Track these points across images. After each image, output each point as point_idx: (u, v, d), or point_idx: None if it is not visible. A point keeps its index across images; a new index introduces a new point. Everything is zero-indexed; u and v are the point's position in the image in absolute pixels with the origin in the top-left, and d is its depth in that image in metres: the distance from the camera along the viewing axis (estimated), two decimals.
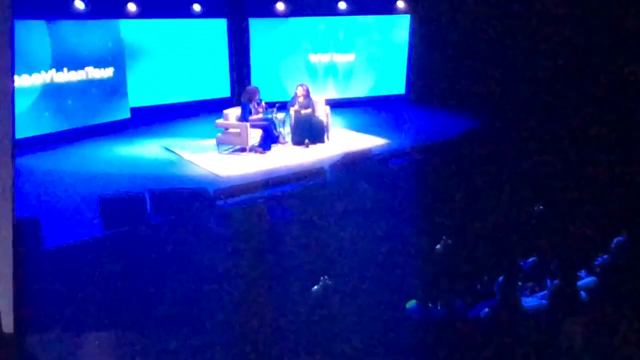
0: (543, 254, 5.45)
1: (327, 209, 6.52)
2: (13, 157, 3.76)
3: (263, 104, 9.93)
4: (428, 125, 11.62)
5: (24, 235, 5.70)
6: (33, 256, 5.69)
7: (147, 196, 6.61)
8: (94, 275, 5.76)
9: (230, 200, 6.85)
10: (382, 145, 9.87)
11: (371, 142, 10.15)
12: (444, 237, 6.01)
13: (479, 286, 5.01)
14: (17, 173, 8.41)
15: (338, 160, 8.18)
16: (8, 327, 3.59)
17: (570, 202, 6.52)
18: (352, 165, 7.95)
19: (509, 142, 9.07)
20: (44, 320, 4.89)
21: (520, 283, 4.91)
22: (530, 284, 5.08)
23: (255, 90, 9.81)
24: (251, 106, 9.63)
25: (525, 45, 11.31)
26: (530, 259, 5.24)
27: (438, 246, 5.98)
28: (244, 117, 9.52)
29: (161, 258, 6.02)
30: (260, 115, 9.65)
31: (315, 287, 5.02)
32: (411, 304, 4.68)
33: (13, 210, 3.65)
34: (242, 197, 6.97)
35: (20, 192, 7.49)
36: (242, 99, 9.80)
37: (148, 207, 6.60)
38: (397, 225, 6.27)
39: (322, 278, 5.03)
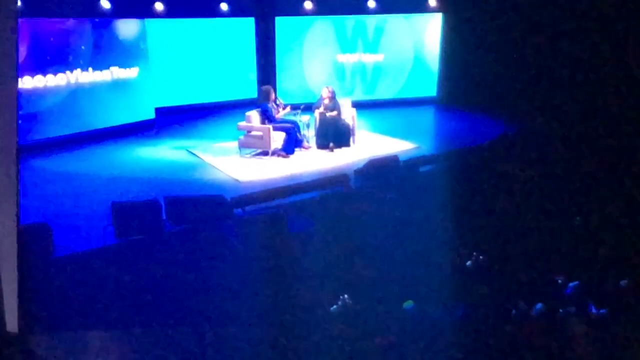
0: (586, 276, 4.97)
1: (350, 219, 6.13)
2: (17, 159, 3.73)
3: (281, 101, 9.60)
4: (460, 129, 11.09)
5: (34, 242, 5.51)
6: (41, 264, 5.49)
7: (162, 203, 6.33)
8: (103, 285, 5.54)
9: (248, 208, 6.52)
10: (411, 150, 9.42)
11: (399, 146, 9.71)
12: (475, 253, 5.58)
13: (513, 311, 4.57)
14: (34, 174, 8.29)
15: (363, 167, 7.77)
16: (12, 327, 3.66)
17: (619, 214, 5.99)
18: (377, 172, 7.53)
19: (548, 149, 8.49)
20: (50, 331, 4.73)
21: (560, 310, 4.45)
22: (572, 310, 4.60)
23: (270, 90, 9.49)
24: (270, 106, 9.31)
25: (566, 46, 10.67)
26: (572, 283, 4.76)
27: (469, 263, 5.55)
28: (267, 118, 9.21)
29: (173, 269, 5.75)
30: (281, 112, 9.31)
31: (334, 307, 4.66)
32: (409, 304, 4.57)
33: (17, 212, 3.65)
34: (260, 204, 6.64)
35: (34, 195, 7.43)
36: (259, 101, 9.50)
37: (163, 214, 6.32)
38: (424, 239, 5.84)
39: (341, 297, 4.67)
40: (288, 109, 9.44)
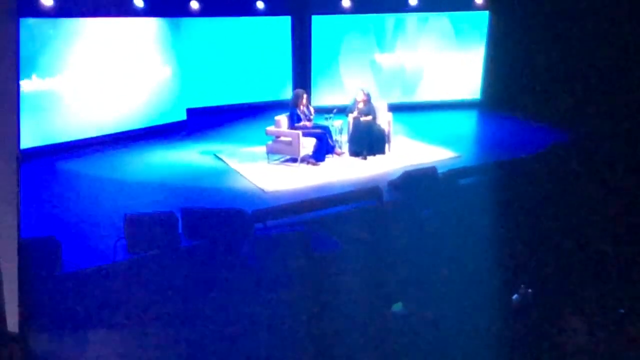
0: None
1: (380, 241, 5.52)
2: (18, 164, 3.71)
3: (312, 109, 9.04)
4: (505, 136, 10.25)
5: (40, 257, 5.16)
6: (46, 282, 5.13)
7: (179, 215, 5.88)
8: (111, 304, 5.15)
9: (269, 223, 6.00)
10: (451, 160, 8.70)
11: (438, 154, 9.02)
12: (522, 285, 4.88)
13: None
14: (55, 178, 7.99)
15: (397, 178, 7.12)
16: (13, 327, 3.70)
17: None
18: (413, 185, 6.87)
19: (608, 161, 7.58)
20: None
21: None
22: None
23: (300, 94, 8.94)
24: (299, 112, 8.79)
25: (629, 45, 9.66)
26: None
27: (515, 296, 4.86)
28: (290, 125, 8.70)
29: (186, 289, 5.31)
30: (307, 124, 8.75)
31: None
32: (397, 307, 4.44)
33: (18, 216, 3.66)
34: (283, 219, 6.10)
35: (49, 201, 7.16)
36: (290, 104, 8.97)
37: (180, 227, 5.87)
38: (463, 265, 5.17)
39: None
40: (307, 123, 8.83)
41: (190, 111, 11.25)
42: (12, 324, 3.78)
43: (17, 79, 3.80)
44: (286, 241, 5.26)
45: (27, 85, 8.79)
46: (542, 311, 4.72)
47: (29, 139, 8.69)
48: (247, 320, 4.89)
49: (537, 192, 6.45)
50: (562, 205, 6.22)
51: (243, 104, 12.24)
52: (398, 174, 7.57)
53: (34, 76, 8.90)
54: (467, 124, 11.67)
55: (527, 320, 4.44)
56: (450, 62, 12.49)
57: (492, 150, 9.26)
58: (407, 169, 7.88)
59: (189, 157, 9.31)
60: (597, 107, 9.76)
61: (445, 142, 9.54)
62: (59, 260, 5.43)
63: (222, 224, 5.87)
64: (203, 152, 9.47)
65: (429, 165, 7.88)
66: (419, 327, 4.50)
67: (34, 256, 5.03)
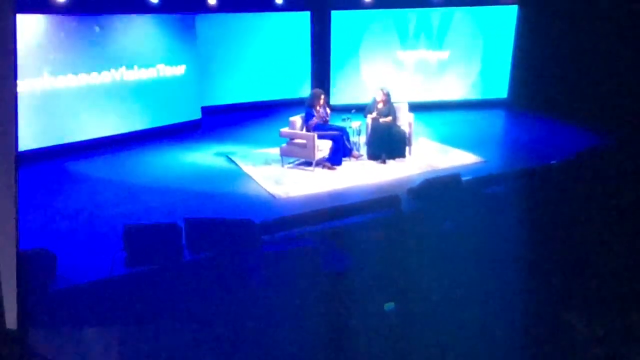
0: None
1: (396, 257, 5.05)
2: (16, 165, 3.64)
3: (328, 110, 8.57)
4: (536, 139, 9.62)
5: (33, 271, 4.83)
6: (40, 298, 4.81)
7: (182, 226, 5.50)
8: (105, 323, 4.81)
9: (278, 235, 5.58)
10: (476, 165, 8.16)
11: (461, 159, 8.49)
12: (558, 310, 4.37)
13: None
14: (60, 181, 7.70)
15: (417, 186, 6.62)
16: (11, 323, 3.62)
17: None
18: (434, 193, 6.37)
19: None
20: None
21: None
22: None
23: (318, 94, 8.48)
24: (315, 112, 8.36)
25: None
26: None
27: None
28: (305, 124, 8.28)
29: (187, 306, 4.92)
30: (318, 120, 8.30)
31: None
32: (389, 306, 4.39)
33: (16, 209, 3.59)
34: (293, 230, 5.67)
35: (48, 208, 6.85)
36: (306, 104, 8.53)
37: (183, 239, 5.50)
38: (488, 286, 4.67)
39: None
40: (319, 120, 8.39)
41: (205, 109, 10.93)
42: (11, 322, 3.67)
43: (15, 78, 3.66)
44: (294, 258, 4.84)
45: (38, 84, 8.55)
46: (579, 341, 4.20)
47: (38, 139, 8.52)
48: (249, 342, 4.49)
49: (573, 203, 5.85)
50: (600, 217, 5.62)
51: (260, 102, 11.89)
52: (419, 180, 7.08)
53: (45, 74, 8.65)
54: (494, 124, 11.06)
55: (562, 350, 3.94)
56: (475, 59, 11.92)
57: (520, 155, 8.67)
58: (429, 174, 7.38)
59: (200, 158, 8.97)
60: (637, 106, 9.03)
61: (469, 145, 8.98)
62: (53, 275, 5.10)
63: (227, 236, 5.48)
64: (215, 154, 9.13)
65: (452, 171, 7.36)
66: (438, 356, 4.05)
67: (27, 270, 4.72)
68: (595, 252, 5.00)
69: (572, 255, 4.96)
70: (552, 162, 7.50)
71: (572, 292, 4.64)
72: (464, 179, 6.74)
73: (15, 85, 3.72)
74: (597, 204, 5.84)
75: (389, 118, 8.51)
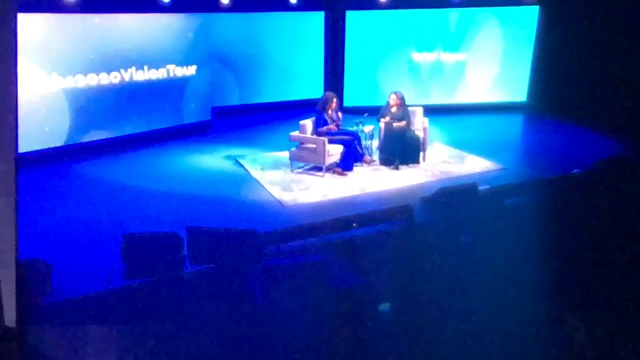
0: None
1: (407, 272, 4.74)
2: (16, 167, 3.65)
3: (340, 114, 8.28)
4: (557, 145, 9.23)
5: (27, 282, 4.62)
6: (34, 311, 4.60)
7: (184, 235, 5.25)
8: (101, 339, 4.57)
9: (283, 247, 5.31)
10: (494, 172, 7.81)
11: (479, 165, 8.15)
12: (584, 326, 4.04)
13: None
14: (62, 184, 7.51)
15: (431, 195, 6.30)
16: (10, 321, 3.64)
17: None
18: (449, 203, 6.04)
19: None
20: None
21: None
22: None
23: (330, 98, 8.19)
24: (326, 116, 8.09)
25: None
26: None
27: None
28: (315, 130, 8.00)
29: (187, 321, 4.68)
30: (332, 127, 8.01)
31: None
32: (384, 307, 4.37)
33: (16, 208, 3.60)
34: (299, 242, 5.40)
35: (47, 213, 6.65)
36: (317, 107, 8.24)
37: (184, 249, 5.25)
38: (514, 306, 4.34)
39: None
40: (331, 126, 8.11)
41: (216, 109, 10.70)
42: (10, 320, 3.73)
43: (15, 79, 3.65)
44: (299, 273, 4.56)
45: (47, 84, 8.39)
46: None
47: (45, 140, 8.36)
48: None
49: (601, 216, 5.47)
50: (629, 230, 5.25)
51: (272, 103, 11.63)
52: (433, 188, 6.76)
53: (54, 74, 8.49)
54: (512, 129, 10.69)
55: None
56: (494, 61, 11.54)
57: (540, 162, 8.29)
58: (444, 182, 7.05)
59: (208, 161, 8.74)
60: None
61: (487, 152, 8.64)
62: (48, 286, 4.88)
63: (231, 247, 5.21)
64: (224, 157, 8.90)
65: (469, 179, 7.02)
66: None
67: (21, 280, 4.52)
68: (628, 271, 4.64)
69: (601, 277, 4.60)
70: (575, 170, 7.12)
71: (600, 308, 4.29)
72: (481, 188, 6.38)
73: (15, 87, 3.68)
74: (625, 218, 5.46)
75: (403, 122, 8.20)
